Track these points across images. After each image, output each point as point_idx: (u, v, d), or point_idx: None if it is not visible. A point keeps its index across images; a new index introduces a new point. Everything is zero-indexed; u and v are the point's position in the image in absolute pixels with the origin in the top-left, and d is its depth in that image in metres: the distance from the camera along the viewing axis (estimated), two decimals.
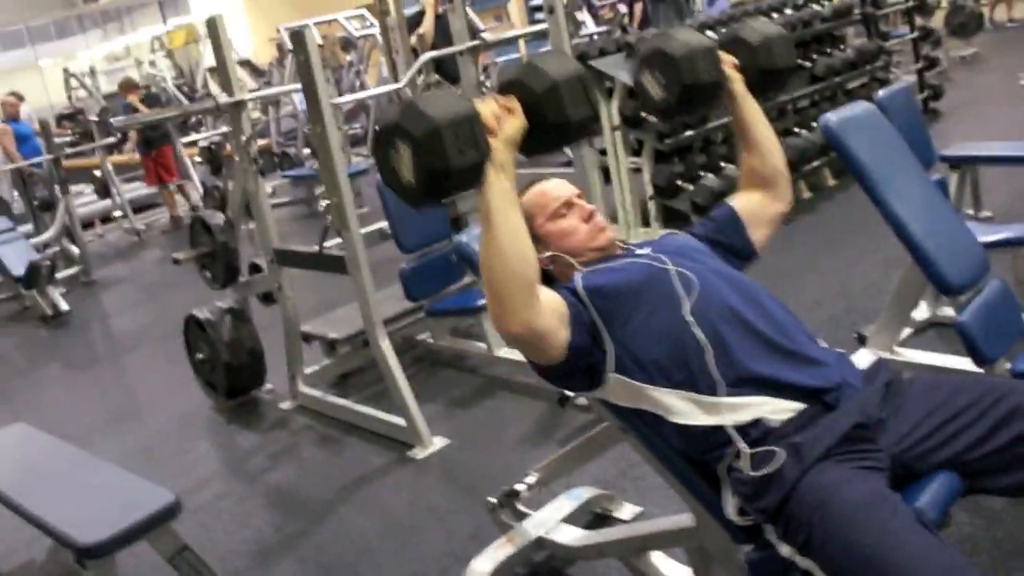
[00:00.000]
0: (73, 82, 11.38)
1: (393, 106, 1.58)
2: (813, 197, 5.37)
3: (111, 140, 8.37)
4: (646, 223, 5.27)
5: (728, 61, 1.96)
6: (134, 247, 9.07)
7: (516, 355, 3.16)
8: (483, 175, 1.54)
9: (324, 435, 3.63)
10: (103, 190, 9.02)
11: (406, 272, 3.75)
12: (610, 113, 5.07)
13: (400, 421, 3.32)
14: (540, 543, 2.40)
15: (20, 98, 10.31)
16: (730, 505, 1.64)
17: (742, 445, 1.60)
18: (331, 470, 3.33)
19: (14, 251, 6.76)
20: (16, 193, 8.77)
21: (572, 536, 2.35)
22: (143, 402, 4.49)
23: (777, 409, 1.61)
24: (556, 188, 1.95)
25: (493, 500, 2.48)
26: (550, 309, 1.63)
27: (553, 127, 1.64)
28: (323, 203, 3.23)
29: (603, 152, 5.28)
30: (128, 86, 9.17)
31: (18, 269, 6.47)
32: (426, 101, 1.52)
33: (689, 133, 4.92)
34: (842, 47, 6.08)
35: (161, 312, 6.05)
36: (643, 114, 4.96)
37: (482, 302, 3.45)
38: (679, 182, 4.94)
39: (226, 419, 4.01)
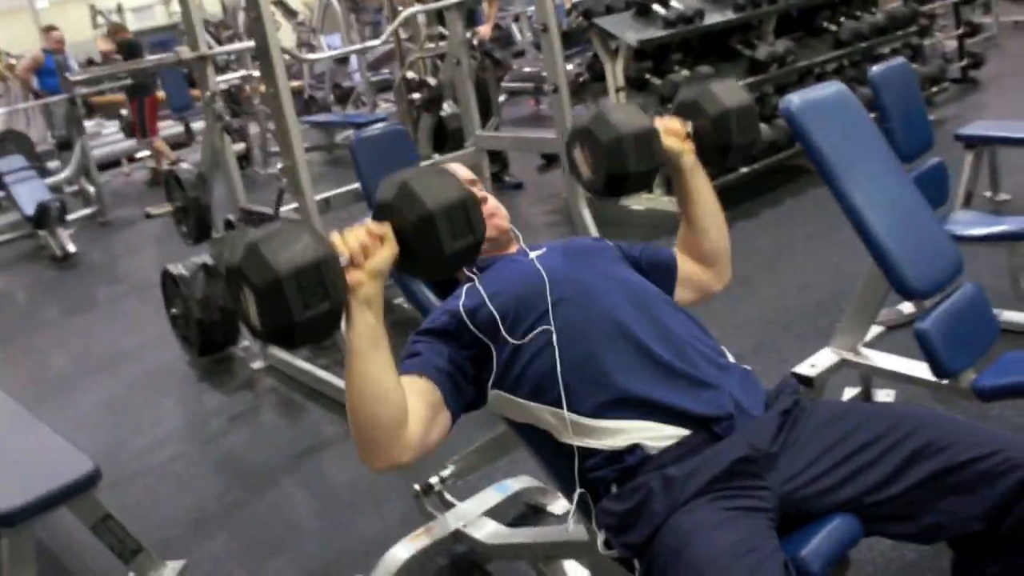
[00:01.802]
0: (99, 19, 11.31)
1: (239, 242, 1.36)
2: None
3: (127, 81, 8.24)
4: (648, 189, 5.08)
5: (678, 132, 1.79)
6: (157, 188, 9.04)
7: None
8: (339, 321, 1.37)
9: (286, 399, 3.57)
10: (127, 129, 8.99)
11: None
12: (614, 73, 4.87)
13: None
14: (458, 536, 2.32)
15: (56, 31, 10.27)
16: (599, 537, 1.52)
17: (607, 473, 1.49)
18: (284, 438, 3.28)
19: (27, 190, 6.79)
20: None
21: (488, 532, 2.26)
22: (125, 351, 4.48)
23: (657, 436, 1.48)
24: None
25: (417, 487, 2.40)
26: (423, 425, 1.48)
27: (426, 257, 1.46)
28: (278, 166, 3.12)
29: None
30: (116, 30, 9.03)
31: (29, 208, 6.49)
32: (272, 240, 1.30)
33: None
34: (873, 10, 5.76)
35: (166, 258, 5.99)
36: (648, 76, 4.76)
37: None
38: None
39: (198, 376, 3.97)
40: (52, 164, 8.38)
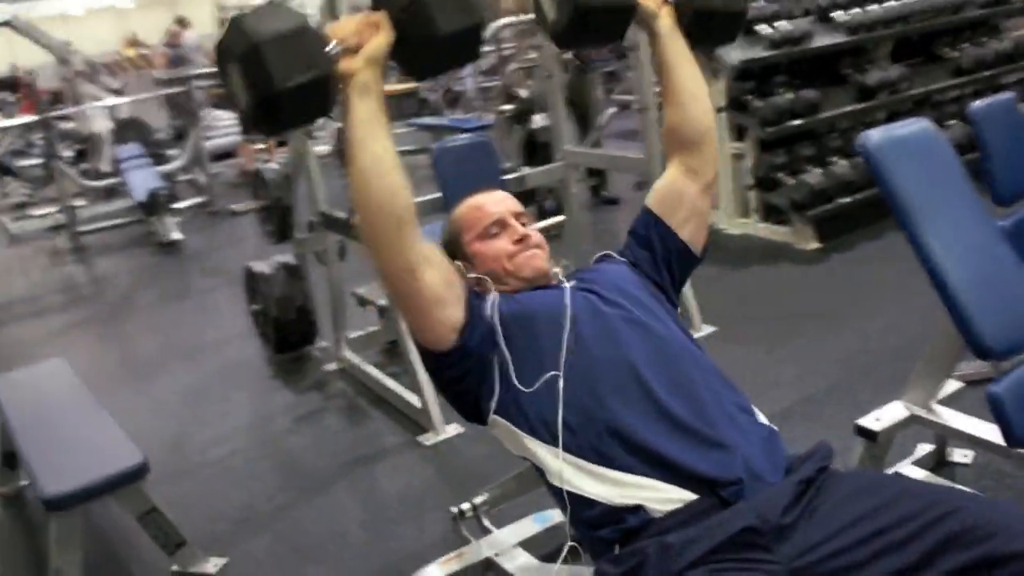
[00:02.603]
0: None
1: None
2: None
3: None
4: (746, 214, 4.93)
5: None
6: None
7: None
8: (329, 99, 1.36)
9: (353, 404, 3.59)
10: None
11: None
12: (717, 94, 4.73)
13: (417, 401, 3.24)
14: (488, 564, 2.27)
15: (185, 24, 10.72)
16: None
17: (609, 533, 1.42)
18: (343, 443, 3.29)
19: (141, 177, 7.07)
20: None
21: (518, 564, 2.20)
22: (209, 342, 4.59)
23: (662, 498, 1.40)
24: (492, 203, 1.76)
25: (454, 510, 2.36)
26: (438, 263, 1.51)
27: (421, 41, 1.41)
28: None
29: None
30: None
31: (141, 195, 6.75)
32: (255, 14, 1.32)
33: (796, 122, 4.52)
34: (1000, 37, 5.44)
35: (263, 253, 6.18)
36: (749, 98, 4.61)
37: None
38: (780, 174, 4.56)
39: (271, 373, 4.04)
40: (173, 153, 8.73)
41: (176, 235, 6.66)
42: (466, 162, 3.68)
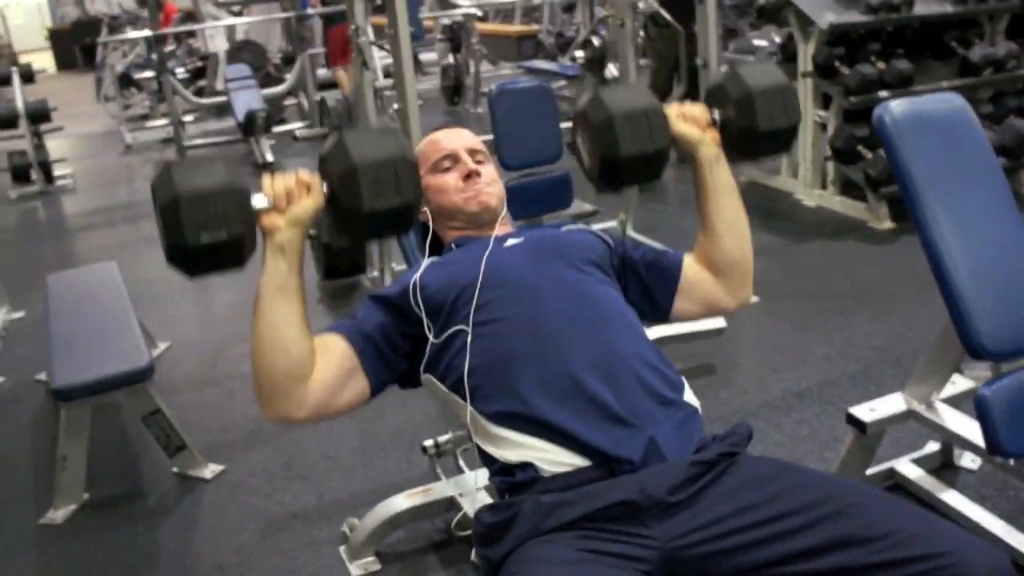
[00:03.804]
0: None
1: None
2: None
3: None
4: (823, 185, 4.72)
5: (698, 118, 1.63)
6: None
7: None
8: (243, 254, 1.36)
9: None
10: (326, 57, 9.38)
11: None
12: (806, 57, 4.52)
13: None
14: (452, 503, 2.29)
15: None
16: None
17: (500, 484, 1.42)
18: None
19: (245, 98, 7.27)
20: None
21: (475, 507, 2.20)
22: None
23: (552, 460, 1.38)
24: (447, 138, 1.76)
25: (425, 444, 2.38)
26: (326, 384, 1.46)
27: (348, 211, 1.42)
28: (394, 107, 3.14)
29: None
30: None
31: (241, 115, 6.95)
32: (188, 166, 1.37)
33: (884, 94, 4.27)
34: None
35: None
36: (837, 64, 4.38)
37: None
38: (861, 147, 4.33)
39: (318, 296, 4.12)
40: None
41: (269, 156, 6.84)
42: (522, 107, 3.63)
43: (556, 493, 1.33)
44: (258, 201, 1.39)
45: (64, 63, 16.44)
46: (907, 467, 2.39)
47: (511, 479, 1.40)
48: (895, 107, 2.01)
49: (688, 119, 1.62)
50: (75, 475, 2.59)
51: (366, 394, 1.52)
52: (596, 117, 1.56)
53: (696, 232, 1.70)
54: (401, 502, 2.31)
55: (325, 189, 1.43)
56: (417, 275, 1.58)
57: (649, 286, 1.67)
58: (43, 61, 17.05)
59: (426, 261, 1.64)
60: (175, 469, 2.73)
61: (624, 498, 1.30)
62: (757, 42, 8.42)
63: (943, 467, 2.43)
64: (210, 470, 2.73)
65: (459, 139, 1.75)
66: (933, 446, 2.46)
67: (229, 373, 3.44)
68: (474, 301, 1.50)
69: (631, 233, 4.20)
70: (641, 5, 3.86)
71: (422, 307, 1.53)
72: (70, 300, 3.21)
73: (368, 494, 2.52)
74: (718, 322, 3.12)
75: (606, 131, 1.54)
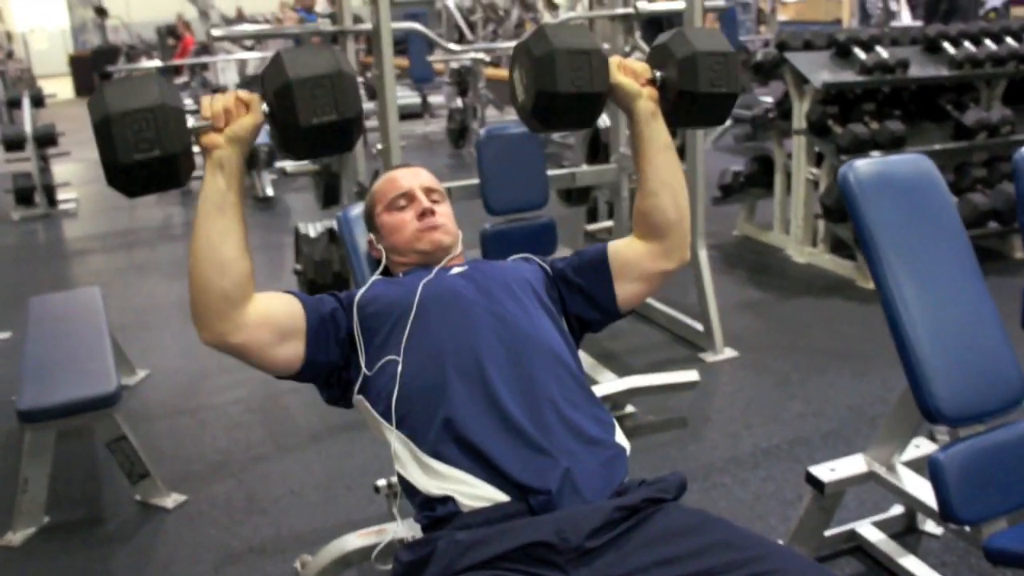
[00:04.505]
0: None
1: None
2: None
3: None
4: (814, 243, 4.72)
5: (637, 72, 1.63)
6: (416, 147, 9.35)
7: None
8: (179, 174, 1.38)
9: None
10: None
11: (487, 234, 3.62)
12: (800, 114, 4.55)
13: None
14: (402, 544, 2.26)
15: None
16: None
17: (421, 519, 1.41)
18: (334, 408, 3.33)
19: None
20: None
21: None
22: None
23: (472, 494, 1.37)
24: (404, 177, 1.78)
25: (378, 484, 2.37)
26: (269, 323, 1.47)
27: (286, 128, 1.43)
28: (377, 147, 3.16)
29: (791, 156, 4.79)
30: None
31: None
32: (119, 85, 1.38)
33: (876, 154, 4.29)
34: None
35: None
36: (830, 123, 4.41)
37: None
38: None
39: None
40: None
41: (269, 191, 6.88)
42: (510, 152, 3.67)
43: (472, 530, 1.33)
44: (195, 120, 1.41)
45: (83, 89, 16.66)
46: (868, 530, 2.36)
47: (432, 513, 1.40)
48: (860, 166, 2.02)
49: (628, 73, 1.62)
50: (35, 498, 2.58)
51: (298, 362, 1.52)
52: (538, 50, 1.54)
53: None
54: (354, 541, 2.28)
55: (265, 108, 1.44)
56: (361, 291, 1.60)
57: (585, 288, 1.67)
58: (63, 86, 17.31)
59: (373, 277, 1.67)
60: (138, 497, 2.71)
61: (539, 539, 1.29)
62: (763, 98, 8.47)
63: (906, 531, 2.40)
64: (172, 499, 2.71)
65: (416, 178, 1.76)
66: (898, 509, 2.43)
67: (203, 404, 3.43)
68: (407, 329, 1.51)
69: None
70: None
71: (359, 328, 1.55)
72: (48, 323, 3.22)
73: (327, 531, 2.50)
74: (691, 375, 3.10)
75: (547, 65, 1.52)
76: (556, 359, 1.52)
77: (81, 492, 2.81)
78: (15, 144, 6.68)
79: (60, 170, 7.77)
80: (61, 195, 7.03)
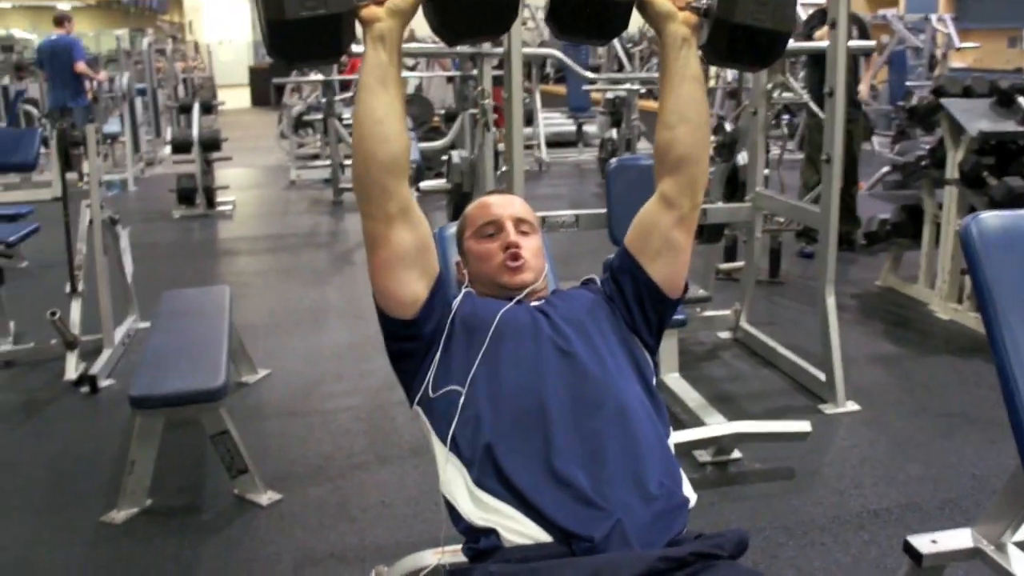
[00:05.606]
0: None
1: None
2: None
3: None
4: (960, 300, 4.43)
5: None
6: (567, 174, 9.48)
7: None
8: (341, 40, 1.42)
9: None
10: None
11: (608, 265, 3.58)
12: (953, 164, 4.30)
13: None
14: None
15: None
16: None
17: (466, 550, 1.40)
18: None
19: None
20: None
21: None
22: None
23: (516, 531, 1.35)
24: (497, 204, 1.77)
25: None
26: (418, 229, 1.53)
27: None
28: (502, 168, 3.19)
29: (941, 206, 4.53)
30: None
31: None
32: None
33: None
34: None
35: None
36: (985, 175, 4.14)
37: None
38: None
39: None
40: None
41: None
42: (638, 182, 3.60)
43: (508, 564, 1.29)
44: None
45: (259, 99, 17.67)
46: None
47: (475, 546, 1.38)
48: (985, 219, 1.88)
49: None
50: (140, 481, 2.71)
51: (419, 303, 1.54)
52: None
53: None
54: (429, 557, 2.27)
55: None
56: (458, 300, 1.64)
57: (622, 285, 1.64)
58: (241, 96, 18.36)
59: (465, 289, 1.69)
60: (235, 491, 2.80)
61: None
62: (926, 146, 8.07)
63: None
64: (267, 497, 2.79)
65: (509, 207, 1.75)
66: None
67: (315, 408, 3.53)
68: (477, 360, 1.50)
69: (743, 324, 4.07)
70: (776, 95, 3.78)
71: (447, 331, 1.56)
72: (176, 316, 3.40)
73: (408, 545, 2.51)
74: (803, 425, 2.97)
75: None
76: (623, 409, 1.47)
77: (184, 480, 2.93)
78: (182, 147, 7.12)
79: (224, 174, 8.23)
80: (220, 197, 7.44)
